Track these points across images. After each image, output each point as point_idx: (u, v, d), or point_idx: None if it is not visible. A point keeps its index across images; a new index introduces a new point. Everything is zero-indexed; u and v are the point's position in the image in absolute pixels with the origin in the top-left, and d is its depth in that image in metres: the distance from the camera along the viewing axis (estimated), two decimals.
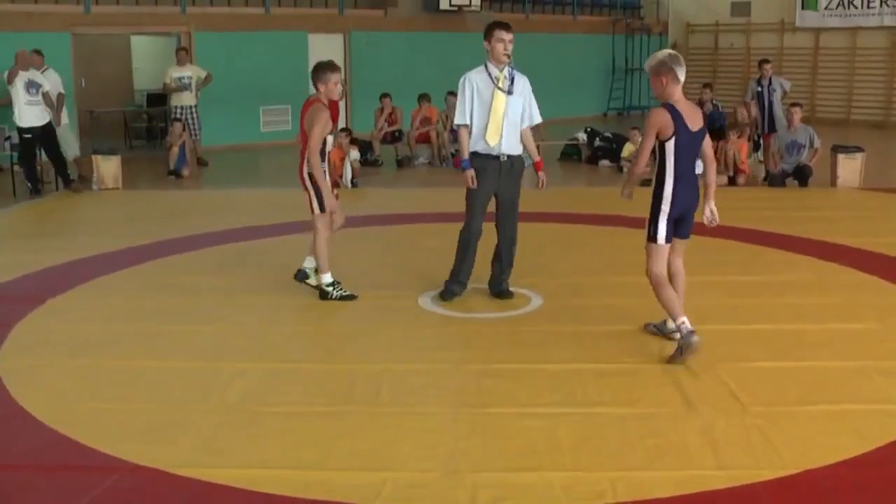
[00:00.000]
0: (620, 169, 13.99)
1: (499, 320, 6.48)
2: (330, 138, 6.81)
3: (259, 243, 9.01)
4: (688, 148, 5.56)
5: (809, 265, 7.99)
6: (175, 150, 13.70)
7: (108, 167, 12.42)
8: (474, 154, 6.62)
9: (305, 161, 6.72)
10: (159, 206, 11.47)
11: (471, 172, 6.58)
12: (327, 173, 6.76)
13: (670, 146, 5.50)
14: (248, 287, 7.33)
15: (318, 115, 6.57)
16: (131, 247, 8.78)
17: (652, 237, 5.66)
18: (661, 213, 5.61)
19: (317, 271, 7.03)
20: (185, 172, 13.67)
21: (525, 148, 6.81)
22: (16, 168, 12.18)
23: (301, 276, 7.06)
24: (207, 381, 5.32)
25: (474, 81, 6.60)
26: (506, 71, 6.57)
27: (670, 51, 5.78)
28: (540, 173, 6.88)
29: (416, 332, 6.22)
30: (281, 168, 15.35)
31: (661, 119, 5.48)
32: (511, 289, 6.95)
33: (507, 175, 6.66)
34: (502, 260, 6.88)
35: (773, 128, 13.38)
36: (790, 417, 4.74)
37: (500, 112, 6.52)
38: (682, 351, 5.54)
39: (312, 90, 6.79)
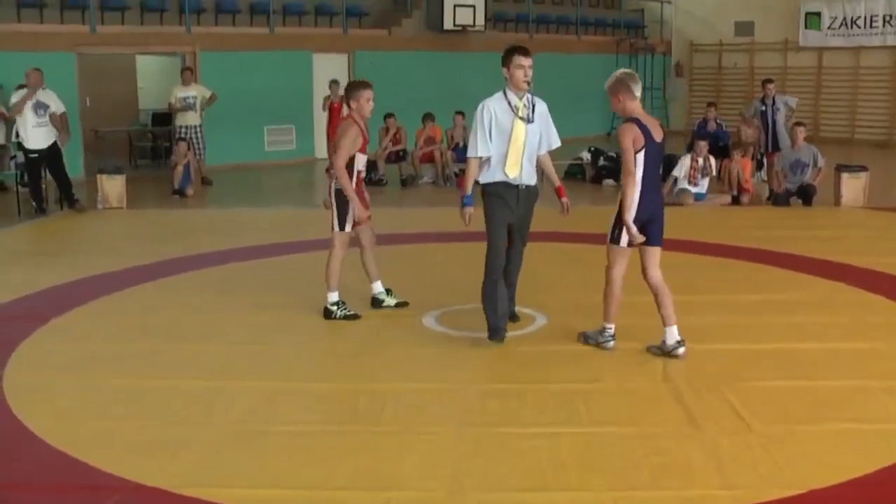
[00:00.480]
0: None
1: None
2: (362, 157, 6.80)
3: (262, 262, 9.01)
4: (654, 158, 5.85)
5: (814, 284, 7.98)
6: (179, 169, 13.75)
7: (112, 186, 12.45)
8: (491, 184, 6.28)
9: (333, 178, 6.79)
10: (163, 225, 11.49)
11: (469, 210, 6.32)
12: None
13: (640, 157, 5.76)
14: (251, 306, 7.32)
15: (346, 130, 6.67)
16: (135, 266, 8.78)
17: (615, 240, 5.95)
18: (627, 219, 5.85)
19: (381, 302, 7.17)
20: (190, 192, 13.70)
21: (545, 173, 6.68)
22: (20, 187, 12.23)
23: (377, 304, 7.19)
24: (211, 399, 5.31)
25: (493, 110, 6.18)
26: (525, 98, 6.23)
27: (626, 69, 6.05)
28: (564, 199, 6.60)
29: (420, 351, 6.21)
30: (285, 187, 15.41)
31: (635, 132, 5.72)
32: (516, 308, 6.90)
33: (524, 202, 6.37)
34: (508, 283, 6.63)
35: (776, 147, 13.36)
36: (795, 436, 4.72)
37: (521, 142, 6.19)
38: (588, 339, 6.21)
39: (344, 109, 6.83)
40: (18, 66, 12.16)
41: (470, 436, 4.78)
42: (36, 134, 11.70)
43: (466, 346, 6.34)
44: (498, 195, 6.26)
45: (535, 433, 4.78)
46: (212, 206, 13.31)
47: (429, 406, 5.20)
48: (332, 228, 6.86)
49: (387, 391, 5.41)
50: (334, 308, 6.88)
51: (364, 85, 6.79)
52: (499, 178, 6.24)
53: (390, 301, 7.18)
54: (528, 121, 6.23)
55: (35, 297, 7.66)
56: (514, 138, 6.17)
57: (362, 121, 6.76)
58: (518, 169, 6.22)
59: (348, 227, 6.83)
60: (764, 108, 13.62)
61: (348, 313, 6.89)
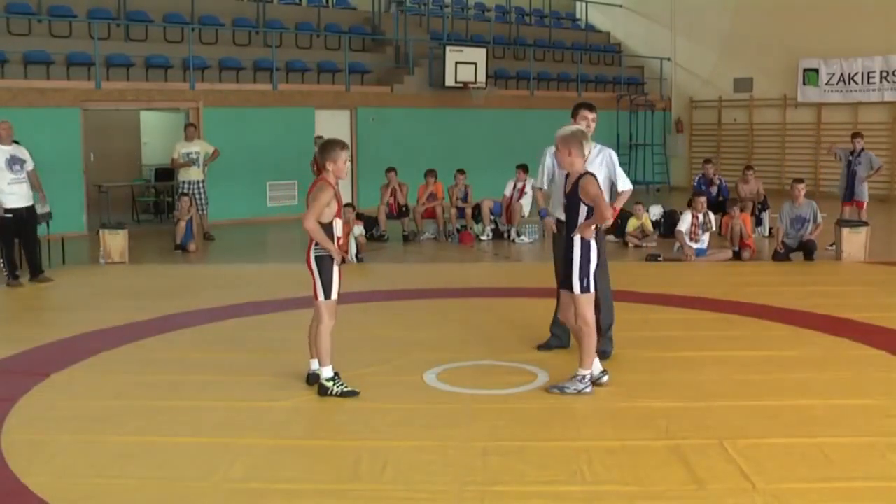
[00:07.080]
0: (625, 244, 14.03)
1: (504, 396, 6.43)
2: (339, 223, 6.46)
3: (265, 318, 9.01)
4: None
5: (816, 340, 7.96)
6: (182, 224, 13.80)
7: (114, 241, 12.50)
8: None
9: (313, 243, 6.38)
10: (165, 280, 11.49)
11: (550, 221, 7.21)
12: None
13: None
14: (253, 362, 7.31)
15: (319, 194, 6.28)
16: (136, 321, 8.78)
17: (586, 289, 6.27)
18: (591, 266, 6.28)
19: (318, 376, 6.57)
20: (192, 247, 13.74)
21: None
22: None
23: (313, 379, 6.64)
24: (212, 457, 5.27)
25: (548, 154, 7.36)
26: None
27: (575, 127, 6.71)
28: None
29: (421, 409, 6.17)
30: (287, 243, 15.43)
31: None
32: (517, 364, 6.87)
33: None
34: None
35: (850, 197, 14.01)
36: (800, 495, 4.67)
37: None
38: (566, 390, 6.35)
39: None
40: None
41: (472, 495, 4.72)
42: (13, 191, 10.75)
43: (468, 402, 6.30)
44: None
45: (538, 492, 4.74)
46: (214, 261, 13.33)
47: (430, 464, 5.16)
48: (316, 297, 6.42)
49: (388, 449, 5.37)
50: (330, 384, 6.43)
51: (342, 145, 6.42)
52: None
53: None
54: None
55: (35, 352, 7.65)
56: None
57: (337, 184, 6.43)
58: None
59: (335, 295, 6.41)
60: (850, 158, 14.02)
61: (346, 389, 6.43)
